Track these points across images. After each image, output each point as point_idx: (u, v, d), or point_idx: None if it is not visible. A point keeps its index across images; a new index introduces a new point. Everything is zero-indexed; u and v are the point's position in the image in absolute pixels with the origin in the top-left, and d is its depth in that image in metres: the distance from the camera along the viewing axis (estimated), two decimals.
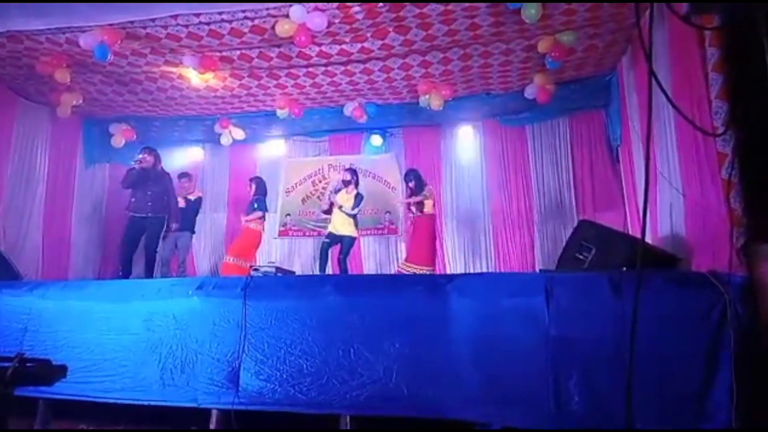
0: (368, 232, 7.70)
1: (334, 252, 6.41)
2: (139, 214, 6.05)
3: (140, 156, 6.06)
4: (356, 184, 6.44)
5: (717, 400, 2.54)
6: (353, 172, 6.53)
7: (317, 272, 6.53)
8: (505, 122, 7.31)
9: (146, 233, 6.09)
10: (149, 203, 6.07)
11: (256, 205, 6.64)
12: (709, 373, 2.57)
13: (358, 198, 6.37)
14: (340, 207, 6.32)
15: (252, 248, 6.71)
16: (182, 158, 8.02)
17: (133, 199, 5.99)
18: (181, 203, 6.80)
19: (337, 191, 6.53)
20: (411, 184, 6.53)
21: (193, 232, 6.97)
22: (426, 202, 6.38)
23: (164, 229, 6.24)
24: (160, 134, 7.67)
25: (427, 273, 6.11)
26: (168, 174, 6.44)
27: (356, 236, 6.50)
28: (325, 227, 6.79)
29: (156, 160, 6.18)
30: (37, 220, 6.55)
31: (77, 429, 3.50)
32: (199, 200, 7.01)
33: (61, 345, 3.58)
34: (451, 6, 4.55)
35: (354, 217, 6.36)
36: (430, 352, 2.99)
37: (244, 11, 4.56)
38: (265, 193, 6.78)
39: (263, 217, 6.74)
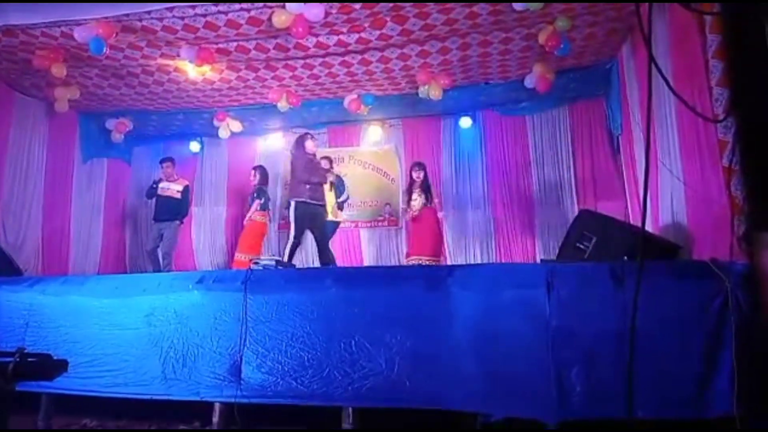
0: (368, 224, 7.69)
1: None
2: (320, 201, 5.86)
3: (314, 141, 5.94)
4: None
5: (718, 389, 2.54)
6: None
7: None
8: (505, 112, 7.28)
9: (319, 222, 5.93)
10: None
11: (256, 194, 6.64)
12: (711, 362, 2.58)
13: (336, 183, 6.38)
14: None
15: (258, 240, 6.72)
16: (180, 151, 8.01)
17: (308, 186, 5.70)
18: (171, 193, 6.77)
19: None
20: (420, 175, 6.31)
21: (181, 222, 6.95)
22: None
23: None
24: (157, 128, 7.64)
25: (432, 263, 6.06)
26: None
27: (338, 221, 6.59)
28: None
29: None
30: (37, 216, 6.53)
31: (80, 424, 3.51)
32: (186, 189, 6.98)
33: (62, 340, 3.59)
34: None
35: (339, 203, 6.43)
36: (431, 344, 3.00)
37: (240, 2, 4.53)
38: (266, 183, 6.80)
39: (267, 207, 6.74)
